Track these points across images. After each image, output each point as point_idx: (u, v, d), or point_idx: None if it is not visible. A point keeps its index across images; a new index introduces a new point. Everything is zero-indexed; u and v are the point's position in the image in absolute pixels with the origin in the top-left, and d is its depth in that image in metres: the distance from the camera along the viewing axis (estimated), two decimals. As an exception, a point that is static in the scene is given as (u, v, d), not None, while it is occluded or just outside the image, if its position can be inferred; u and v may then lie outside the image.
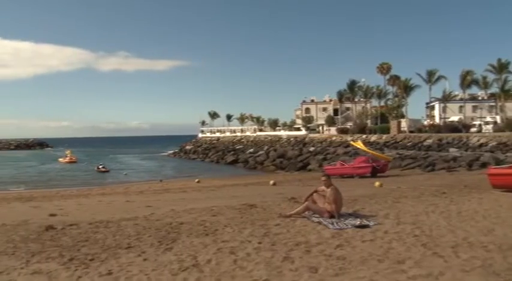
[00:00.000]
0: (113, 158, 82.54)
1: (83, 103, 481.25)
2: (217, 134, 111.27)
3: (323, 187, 10.01)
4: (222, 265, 6.30)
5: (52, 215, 13.12)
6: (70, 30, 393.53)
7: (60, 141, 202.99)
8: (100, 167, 53.02)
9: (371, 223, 8.99)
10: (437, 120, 75.78)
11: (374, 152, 35.87)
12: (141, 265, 6.41)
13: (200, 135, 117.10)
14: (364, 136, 65.28)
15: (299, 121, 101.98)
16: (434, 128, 64.05)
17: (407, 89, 75.55)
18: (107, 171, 51.19)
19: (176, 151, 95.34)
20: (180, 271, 6.06)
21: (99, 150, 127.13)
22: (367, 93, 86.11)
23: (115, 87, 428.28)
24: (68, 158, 72.56)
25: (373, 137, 63.42)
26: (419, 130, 65.85)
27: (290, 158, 53.05)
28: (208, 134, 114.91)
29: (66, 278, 5.94)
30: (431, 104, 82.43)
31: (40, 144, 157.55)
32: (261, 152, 61.87)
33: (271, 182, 27.37)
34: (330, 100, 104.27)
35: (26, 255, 7.20)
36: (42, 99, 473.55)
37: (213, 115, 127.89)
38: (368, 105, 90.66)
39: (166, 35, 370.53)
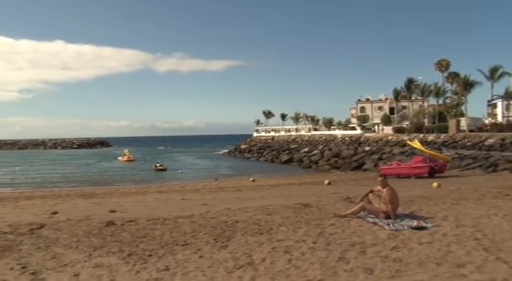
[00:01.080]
0: (169, 157, 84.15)
1: (140, 103, 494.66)
2: (272, 133, 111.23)
3: (379, 187, 9.85)
4: (276, 264, 6.31)
5: (112, 211, 13.56)
6: (129, 33, 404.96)
7: (120, 140, 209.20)
8: (157, 165, 54.10)
9: (428, 225, 8.76)
10: (499, 118, 72.67)
11: (432, 152, 34.87)
12: (197, 262, 6.52)
13: (255, 134, 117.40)
14: (421, 135, 63.46)
15: (354, 120, 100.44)
16: (497, 127, 61.44)
17: (467, 86, 72.64)
18: (164, 169, 52.14)
19: (231, 150, 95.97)
20: (235, 269, 6.12)
21: (156, 149, 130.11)
22: (425, 92, 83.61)
23: (171, 87, 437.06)
24: (126, 156, 74.44)
25: (431, 137, 61.57)
26: (480, 129, 63.34)
27: (345, 157, 52.39)
28: (263, 134, 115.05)
29: (126, 272, 6.13)
30: (493, 102, 79.02)
31: (101, 143, 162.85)
32: (315, 152, 61.37)
33: (326, 181, 27.12)
34: (386, 99, 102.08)
35: (89, 249, 7.49)
36: (103, 100, 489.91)
37: (268, 114, 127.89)
38: (425, 104, 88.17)
39: (221, 36, 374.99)
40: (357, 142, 70.52)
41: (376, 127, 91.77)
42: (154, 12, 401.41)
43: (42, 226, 9.79)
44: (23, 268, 6.39)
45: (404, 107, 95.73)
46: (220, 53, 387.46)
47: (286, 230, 8.66)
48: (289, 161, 61.34)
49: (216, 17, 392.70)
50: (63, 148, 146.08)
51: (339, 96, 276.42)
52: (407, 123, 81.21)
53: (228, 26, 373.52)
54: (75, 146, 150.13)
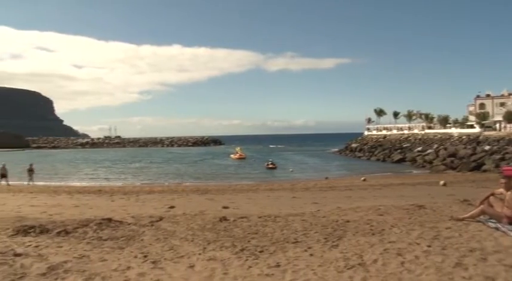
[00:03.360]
0: (280, 155, 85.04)
1: (252, 102, 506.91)
2: (384, 132, 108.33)
3: (501, 190, 9.19)
4: (388, 266, 6.15)
5: (225, 207, 14.04)
6: (241, 34, 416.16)
7: (231, 138, 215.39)
8: (269, 163, 54.89)
9: (559, 232, 8.03)
10: None
11: None
12: (308, 260, 6.54)
13: (366, 133, 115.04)
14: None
15: (472, 118, 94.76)
16: None
17: None
18: (275, 167, 52.80)
19: (341, 148, 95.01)
20: (345, 269, 6.06)
21: (266, 147, 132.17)
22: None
23: (282, 87, 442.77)
24: (238, 154, 76.50)
25: None
26: None
27: (462, 157, 49.63)
28: (374, 132, 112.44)
29: (238, 267, 6.31)
30: None
31: (214, 141, 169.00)
32: (430, 151, 58.85)
33: (441, 182, 25.94)
34: (509, 94, 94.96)
35: (203, 242, 7.81)
36: (216, 100, 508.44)
37: (379, 112, 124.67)
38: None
39: (332, 34, 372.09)
40: (475, 140, 66.45)
41: (497, 125, 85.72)
42: (266, 13, 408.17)
43: (161, 219, 10.39)
44: (145, 257, 6.83)
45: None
46: (330, 51, 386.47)
47: (399, 232, 8.40)
48: (401, 161, 59.50)
49: (325, 15, 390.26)
50: (179, 145, 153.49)
51: (456, 93, 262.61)
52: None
53: (338, 24, 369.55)
54: (190, 144, 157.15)
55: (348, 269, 6.06)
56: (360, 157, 76.26)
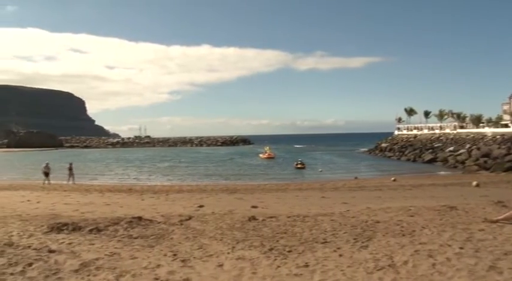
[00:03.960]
0: (309, 155, 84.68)
1: (281, 102, 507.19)
2: (414, 132, 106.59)
3: (537, 191, 8.95)
4: (419, 268, 6.06)
5: (254, 207, 14.07)
6: (271, 34, 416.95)
7: (260, 138, 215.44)
8: (298, 162, 54.65)
9: None
10: None
11: None
12: (337, 261, 6.50)
13: (396, 132, 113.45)
14: None
15: (507, 117, 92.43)
16: None
17: None
18: (303, 167, 52.59)
19: (371, 148, 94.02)
20: (375, 270, 6.00)
21: (295, 147, 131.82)
22: None
23: (311, 86, 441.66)
24: (266, 154, 76.44)
25: None
26: None
27: (496, 157, 48.45)
28: (404, 132, 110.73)
29: (267, 266, 6.32)
30: None
31: (243, 141, 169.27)
32: (462, 151, 57.68)
33: (474, 183, 25.41)
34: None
35: (232, 242, 7.84)
36: (245, 99, 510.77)
37: (410, 112, 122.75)
38: None
39: (361, 32, 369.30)
40: (510, 140, 64.76)
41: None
42: (296, 12, 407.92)
43: (190, 218, 10.48)
44: (174, 255, 6.90)
45: None
46: (360, 50, 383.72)
47: (430, 233, 8.26)
48: (432, 161, 58.52)
49: (355, 13, 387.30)
50: (208, 145, 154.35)
51: (489, 92, 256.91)
52: None
53: (368, 22, 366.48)
54: (219, 143, 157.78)
55: (378, 270, 6.00)
56: (389, 156, 75.30)
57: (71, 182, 33.35)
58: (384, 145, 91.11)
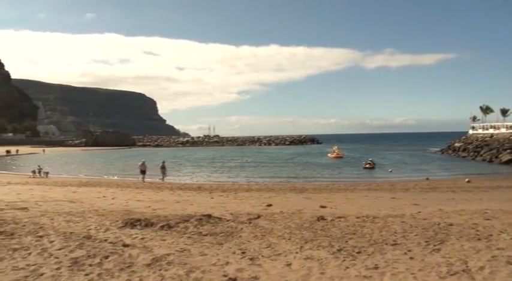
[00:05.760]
0: (379, 155, 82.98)
1: (349, 101, 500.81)
2: (491, 131, 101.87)
3: None
4: (497, 275, 5.78)
5: (322, 206, 13.98)
6: (340, 32, 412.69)
7: (328, 137, 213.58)
8: (367, 162, 53.67)
9: None
10: None
11: None
12: (407, 263, 6.34)
13: (471, 131, 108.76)
14: None
15: None
16: None
17: None
18: (373, 167, 51.61)
19: (443, 148, 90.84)
20: (448, 275, 5.80)
21: (364, 146, 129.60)
22: None
23: (380, 84, 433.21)
24: (335, 153, 75.65)
25: None
26: None
27: None
28: (479, 131, 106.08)
29: (335, 267, 6.26)
30: None
31: (311, 140, 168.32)
32: (544, 151, 54.59)
33: (557, 185, 23.97)
34: None
35: (300, 241, 7.84)
36: (313, 99, 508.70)
37: (486, 110, 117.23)
38: None
39: (433, 28, 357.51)
40: None
41: None
42: (364, 9, 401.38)
43: (258, 217, 10.58)
44: (243, 253, 6.99)
45: None
46: (432, 46, 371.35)
47: (509, 238, 7.88)
48: (511, 162, 55.70)
49: (426, 9, 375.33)
50: (276, 144, 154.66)
51: None
52: None
53: (440, 18, 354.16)
54: (287, 143, 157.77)
55: (451, 275, 5.79)
56: (464, 157, 72.43)
57: (162, 180, 33.93)
58: (457, 144, 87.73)
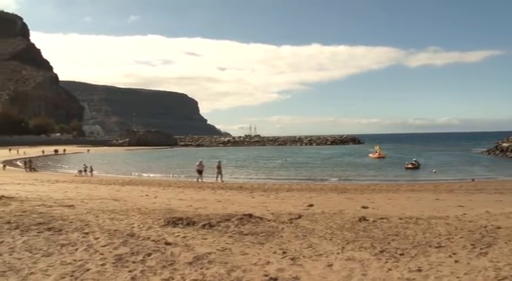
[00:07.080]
0: (422, 155, 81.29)
1: (391, 100, 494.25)
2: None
3: None
4: (547, 280, 5.58)
5: (364, 207, 13.82)
6: (382, 31, 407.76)
7: (370, 137, 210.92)
8: (410, 163, 52.67)
9: None
10: None
11: None
12: (452, 267, 6.20)
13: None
14: None
15: None
16: None
17: None
18: (416, 167, 50.62)
19: (490, 148, 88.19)
20: (496, 280, 5.62)
21: (407, 146, 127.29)
22: None
23: (424, 83, 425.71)
24: (377, 153, 74.62)
25: None
26: None
27: None
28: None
29: (377, 268, 6.18)
30: None
31: (353, 140, 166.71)
32: None
33: None
34: None
35: (342, 242, 7.78)
36: (354, 98, 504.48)
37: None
38: None
39: (479, 25, 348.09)
40: None
41: None
42: (407, 7, 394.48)
43: (299, 217, 10.55)
44: (284, 253, 6.99)
45: None
46: (478, 43, 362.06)
47: (561, 242, 7.58)
48: (563, 163, 53.66)
49: (470, 5, 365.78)
50: (318, 144, 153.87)
51: None
52: None
53: (485, 14, 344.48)
54: (328, 142, 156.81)
55: (500, 280, 5.62)
56: (512, 157, 70.23)
57: (219, 180, 33.71)
58: (505, 144, 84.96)
